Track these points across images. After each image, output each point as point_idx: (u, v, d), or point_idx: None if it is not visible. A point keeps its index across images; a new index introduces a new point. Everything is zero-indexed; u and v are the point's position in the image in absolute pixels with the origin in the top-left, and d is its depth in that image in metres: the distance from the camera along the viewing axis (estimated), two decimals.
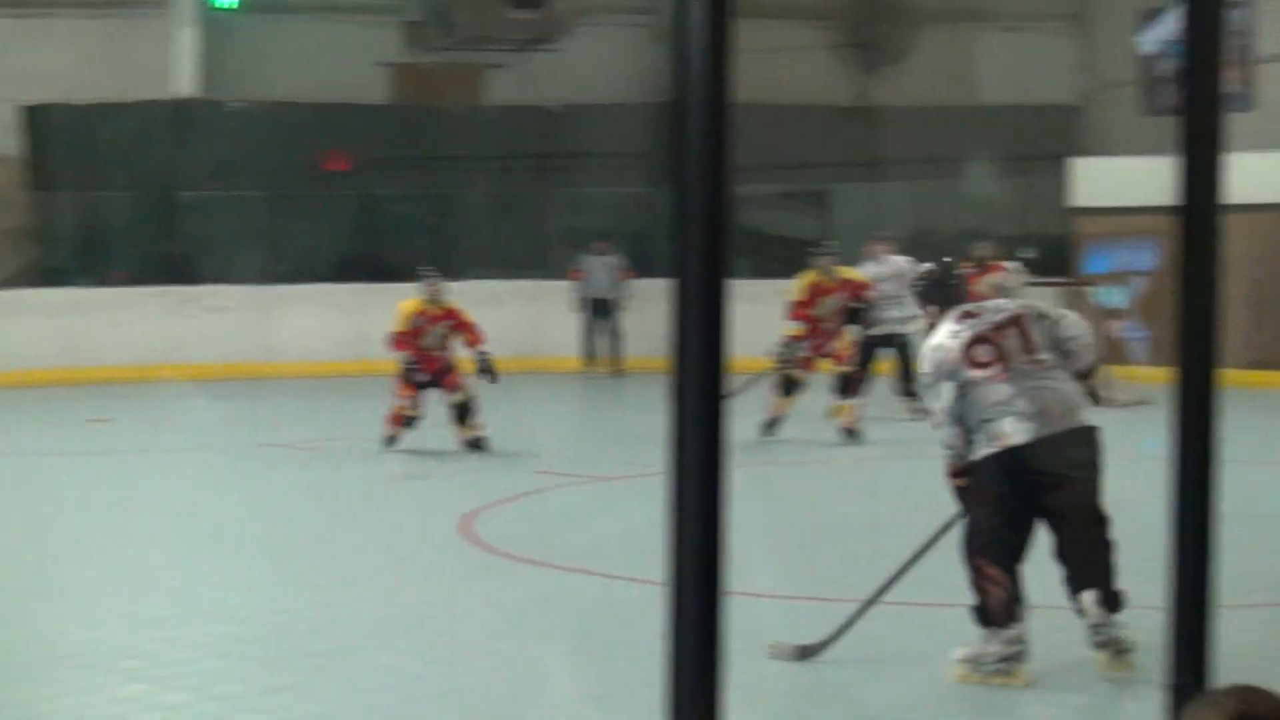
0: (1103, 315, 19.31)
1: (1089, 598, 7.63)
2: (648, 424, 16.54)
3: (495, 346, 23.82)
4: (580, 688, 7.63)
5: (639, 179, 25.40)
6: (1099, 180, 22.53)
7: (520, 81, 25.92)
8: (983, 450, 7.71)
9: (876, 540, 10.95)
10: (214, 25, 25.07)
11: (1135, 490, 12.29)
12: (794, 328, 16.04)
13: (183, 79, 24.77)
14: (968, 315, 7.89)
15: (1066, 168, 22.97)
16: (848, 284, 16.56)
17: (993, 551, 7.73)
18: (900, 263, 17.53)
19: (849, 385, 15.92)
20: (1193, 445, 3.81)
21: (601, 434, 17.05)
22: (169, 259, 24.40)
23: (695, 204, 2.97)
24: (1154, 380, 18.65)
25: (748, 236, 24.95)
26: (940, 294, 8.40)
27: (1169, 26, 21.64)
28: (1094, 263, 22.27)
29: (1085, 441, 7.90)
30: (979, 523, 7.80)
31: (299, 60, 25.08)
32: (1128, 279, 21.76)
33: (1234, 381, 17.43)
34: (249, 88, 25.17)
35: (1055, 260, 22.66)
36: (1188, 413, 3.81)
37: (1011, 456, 7.62)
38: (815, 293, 16.27)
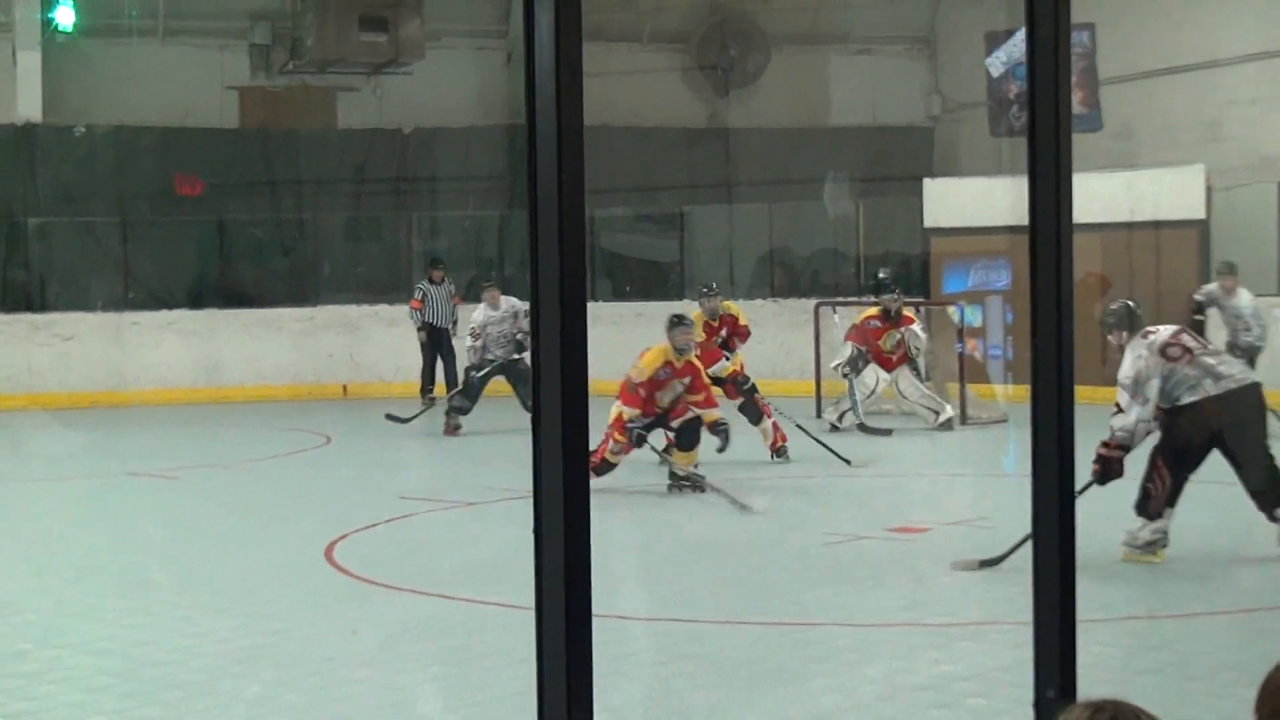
0: (962, 334, 19.50)
1: None
2: (508, 448, 16.53)
3: (355, 372, 23.85)
4: (450, 714, 7.57)
5: (494, 202, 25.39)
6: (951, 201, 22.79)
7: (372, 105, 25.81)
8: None
9: (741, 559, 10.98)
10: (56, 49, 24.67)
11: (996, 506, 12.49)
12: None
13: (26, 104, 24.36)
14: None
15: (921, 189, 23.22)
16: (726, 320, 17.16)
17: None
18: (513, 303, 18.67)
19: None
20: (1051, 462, 3.85)
21: (463, 459, 16.95)
22: (17, 286, 23.99)
23: (549, 227, 2.97)
24: (1013, 399, 18.92)
25: (605, 259, 25.01)
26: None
27: (1016, 49, 21.96)
28: (951, 282, 22.52)
29: None
30: None
31: (145, 84, 24.78)
32: (984, 298, 22.03)
33: (1089, 399, 17.70)
34: (95, 112, 24.82)
35: (913, 280, 22.90)
36: (1045, 430, 3.85)
37: None
38: (708, 331, 16.81)
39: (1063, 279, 3.85)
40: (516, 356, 18.53)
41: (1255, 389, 10.39)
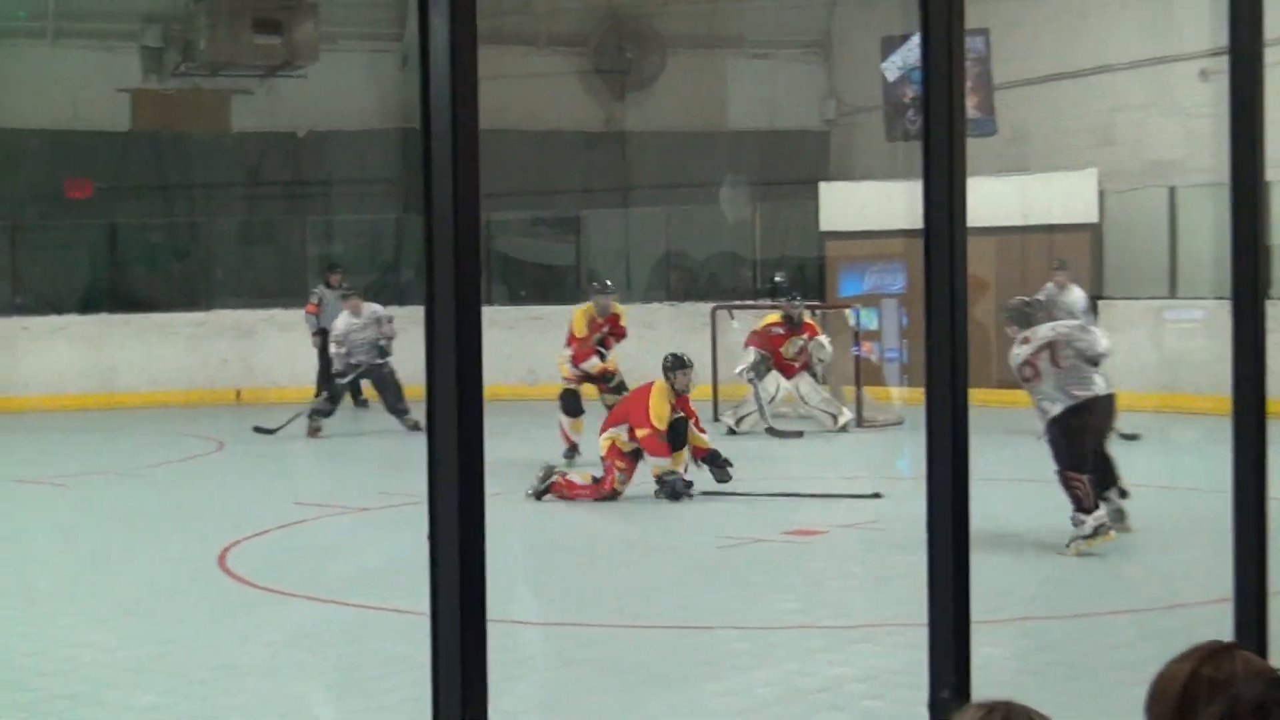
0: (858, 337, 19.60)
1: None
2: (402, 453, 16.45)
3: (249, 377, 23.64)
4: None
5: (389, 206, 25.26)
6: (847, 204, 22.91)
7: (266, 108, 25.60)
8: None
9: (635, 563, 11.00)
10: None
11: (892, 508, 12.57)
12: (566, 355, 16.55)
13: None
14: None
15: (817, 192, 23.32)
16: (610, 319, 16.98)
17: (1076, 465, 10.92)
18: (374, 310, 19.28)
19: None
20: (945, 464, 3.86)
21: (358, 465, 16.86)
22: None
23: (444, 230, 2.95)
24: (908, 401, 19.04)
25: (501, 263, 24.95)
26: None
27: (911, 54, 22.11)
28: (847, 286, 22.63)
29: None
30: None
31: (34, 86, 24.45)
32: (879, 301, 22.15)
33: (985, 401, 17.83)
34: None
35: (809, 284, 22.99)
36: (940, 432, 3.86)
37: None
38: (592, 328, 16.69)
39: (956, 282, 3.86)
40: (380, 361, 18.91)
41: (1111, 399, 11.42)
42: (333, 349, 19.17)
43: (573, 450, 16.04)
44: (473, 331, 2.96)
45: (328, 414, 18.88)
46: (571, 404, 16.36)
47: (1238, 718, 2.27)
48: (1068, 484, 10.87)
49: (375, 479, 15.01)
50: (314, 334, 21.32)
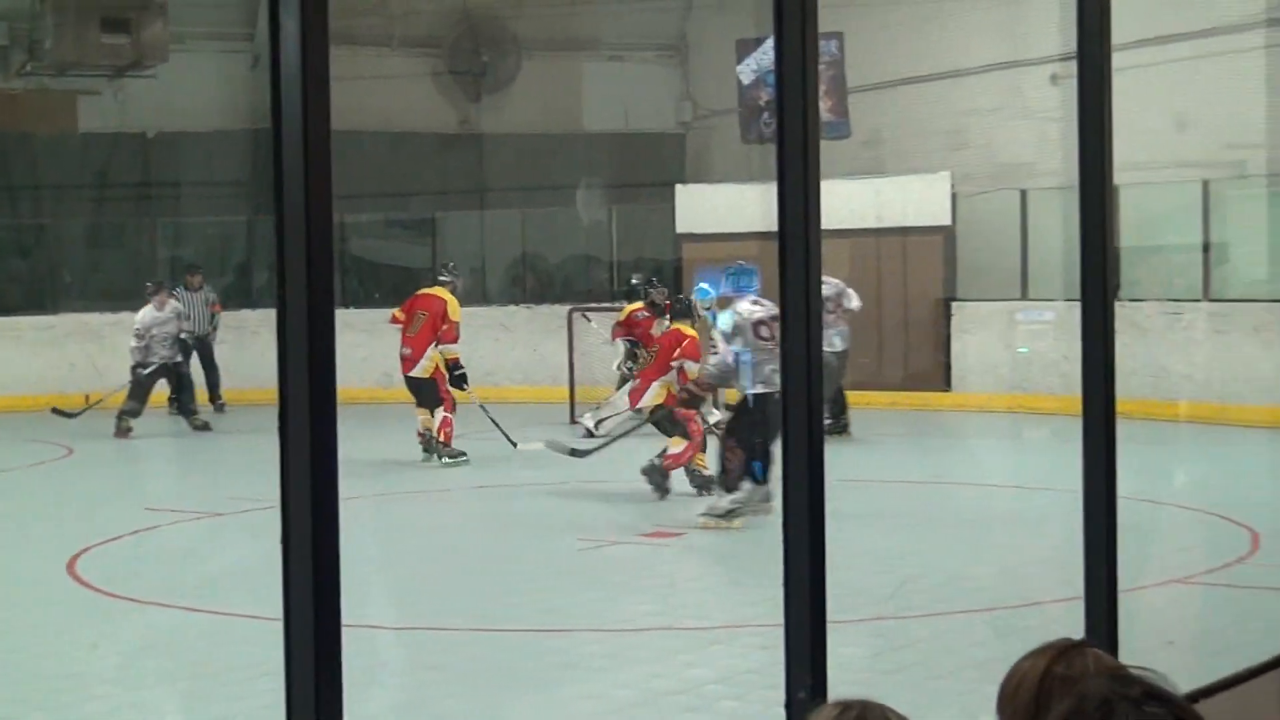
0: (715, 339, 19.64)
1: None
2: (255, 457, 16.19)
3: (98, 381, 23.26)
4: None
5: (240, 208, 24.98)
6: (703, 207, 22.97)
7: (114, 108, 25.20)
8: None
9: (492, 566, 10.95)
10: None
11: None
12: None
13: None
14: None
15: (673, 195, 23.35)
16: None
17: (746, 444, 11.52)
18: (175, 305, 19.70)
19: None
20: (801, 464, 3.89)
21: (210, 469, 16.67)
22: None
23: (296, 233, 2.91)
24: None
25: (355, 265, 24.76)
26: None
27: (766, 57, 22.22)
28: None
29: None
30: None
31: None
32: (734, 303, 22.19)
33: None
34: None
35: (666, 286, 22.99)
36: (795, 432, 3.88)
37: None
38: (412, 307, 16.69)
39: (811, 284, 3.88)
40: (180, 359, 19.34)
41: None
42: (132, 343, 19.23)
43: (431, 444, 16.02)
44: (326, 335, 2.93)
45: (135, 414, 18.81)
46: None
47: (1084, 714, 2.29)
48: (726, 454, 11.63)
49: (227, 483, 14.84)
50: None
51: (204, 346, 21.18)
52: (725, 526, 11.49)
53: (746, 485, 11.59)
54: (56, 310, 23.79)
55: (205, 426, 19.17)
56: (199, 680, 8.04)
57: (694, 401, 12.65)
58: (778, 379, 11.17)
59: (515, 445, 15.98)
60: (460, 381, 16.12)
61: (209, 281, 22.27)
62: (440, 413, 15.94)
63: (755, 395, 11.71)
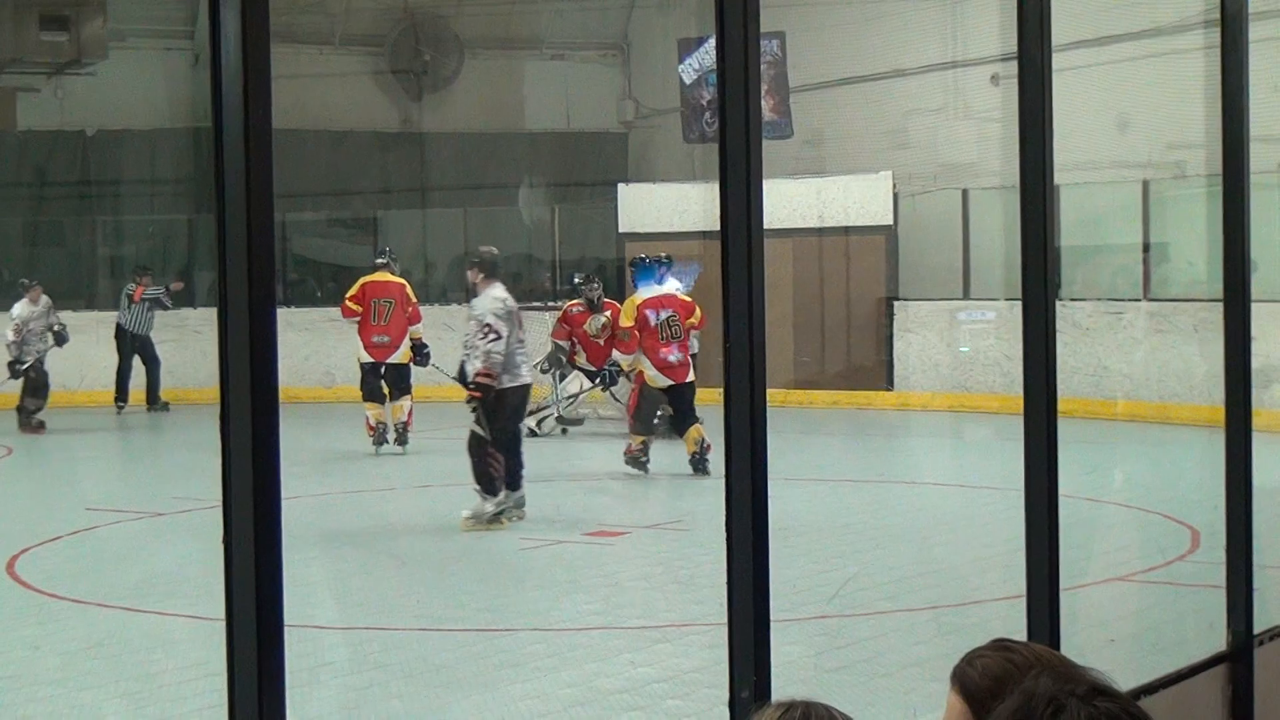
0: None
1: None
2: (196, 457, 16.13)
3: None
4: None
5: (181, 206, 24.84)
6: (645, 206, 22.97)
7: (54, 106, 25.02)
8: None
9: (435, 566, 10.92)
10: None
11: (691, 508, 12.64)
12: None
13: None
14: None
15: (615, 194, 23.36)
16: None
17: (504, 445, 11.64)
18: (47, 300, 19.89)
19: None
20: (744, 462, 3.89)
21: (150, 469, 16.57)
22: None
23: (238, 231, 2.90)
24: (705, 401, 19.12)
25: (297, 264, 24.66)
26: None
27: (708, 56, 22.25)
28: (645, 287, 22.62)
29: None
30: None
31: None
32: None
33: (779, 401, 17.98)
34: None
35: (608, 285, 23.00)
36: (739, 431, 3.89)
37: None
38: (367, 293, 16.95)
39: (754, 283, 3.88)
40: (39, 357, 19.52)
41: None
42: (9, 337, 19.37)
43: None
44: (267, 334, 2.93)
45: (37, 409, 19.05)
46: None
47: (1033, 712, 2.30)
48: (487, 462, 11.65)
49: (169, 483, 14.76)
50: (115, 335, 21.01)
51: (146, 344, 21.06)
52: (492, 527, 11.60)
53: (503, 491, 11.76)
54: None
55: (41, 426, 19.10)
56: (141, 681, 7.99)
57: (485, 390, 11.69)
58: (526, 373, 11.74)
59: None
60: (426, 359, 16.81)
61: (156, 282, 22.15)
62: (408, 400, 16.45)
63: (508, 389, 11.75)
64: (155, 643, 8.75)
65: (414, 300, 16.92)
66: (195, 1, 24.93)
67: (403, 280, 16.99)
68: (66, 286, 24.04)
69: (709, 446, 14.11)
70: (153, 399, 20.87)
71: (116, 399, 20.65)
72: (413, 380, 16.79)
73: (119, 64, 23.98)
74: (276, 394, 2.96)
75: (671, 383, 14.68)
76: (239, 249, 2.89)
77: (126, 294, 21.28)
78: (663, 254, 16.08)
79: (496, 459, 11.69)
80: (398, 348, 16.44)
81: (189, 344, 21.37)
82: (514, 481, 11.92)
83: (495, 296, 11.84)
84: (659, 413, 14.98)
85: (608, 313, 18.32)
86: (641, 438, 14.67)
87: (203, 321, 21.55)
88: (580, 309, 18.31)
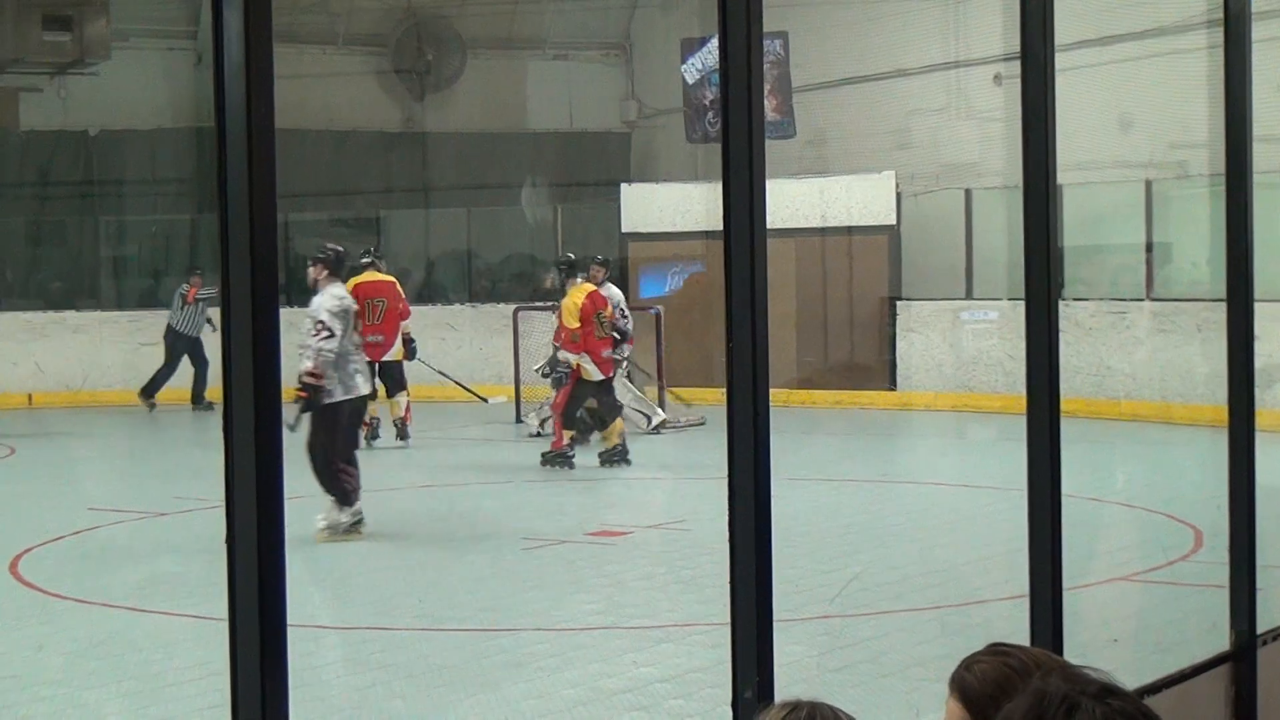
0: (660, 338, 19.63)
1: None
2: (199, 457, 16.16)
3: (41, 380, 23.11)
4: None
5: (183, 206, 24.84)
6: (648, 206, 22.97)
7: (56, 106, 25.02)
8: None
9: (438, 566, 10.92)
10: None
11: (694, 509, 12.63)
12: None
13: None
14: None
15: (618, 194, 23.35)
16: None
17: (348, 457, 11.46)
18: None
19: None
20: (747, 463, 3.89)
21: (153, 469, 16.56)
22: None
23: (240, 231, 2.90)
24: (709, 401, 19.12)
25: (300, 264, 24.63)
26: None
27: (711, 56, 22.24)
28: (648, 287, 22.67)
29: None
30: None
31: None
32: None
33: (781, 401, 17.95)
34: None
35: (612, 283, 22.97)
36: (741, 431, 3.88)
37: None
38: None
39: (756, 283, 3.88)
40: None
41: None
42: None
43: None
44: (270, 334, 2.93)
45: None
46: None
47: (1046, 712, 2.30)
48: (338, 474, 11.39)
49: (171, 483, 14.75)
50: (165, 335, 21.02)
51: (196, 346, 21.01)
52: (349, 539, 11.39)
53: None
54: None
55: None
56: (144, 681, 7.99)
57: (312, 392, 11.33)
58: (360, 383, 11.44)
59: (485, 400, 17.46)
60: (414, 353, 17.09)
61: (148, 282, 22.15)
62: (404, 396, 16.70)
63: (342, 402, 11.48)
64: (158, 642, 8.75)
65: (403, 297, 17.17)
66: (198, 1, 24.93)
67: (392, 278, 17.29)
68: (69, 286, 24.06)
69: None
70: (198, 399, 20.87)
71: (144, 394, 20.64)
72: (407, 376, 17.03)
73: (122, 64, 23.98)
74: (280, 393, 2.96)
75: (604, 377, 15.11)
76: (242, 249, 2.89)
77: (180, 294, 21.28)
78: (570, 254, 16.77)
79: (348, 471, 11.44)
80: (391, 346, 16.63)
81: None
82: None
83: (334, 294, 11.61)
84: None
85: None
86: (571, 433, 15.03)
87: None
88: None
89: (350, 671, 8.08)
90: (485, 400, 16.93)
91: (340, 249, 12.17)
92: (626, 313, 16.63)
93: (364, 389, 11.71)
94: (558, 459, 14.84)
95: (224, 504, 2.93)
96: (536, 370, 18.39)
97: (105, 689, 7.89)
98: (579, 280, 15.38)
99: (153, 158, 24.56)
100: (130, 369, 21.95)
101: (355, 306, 11.82)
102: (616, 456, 14.98)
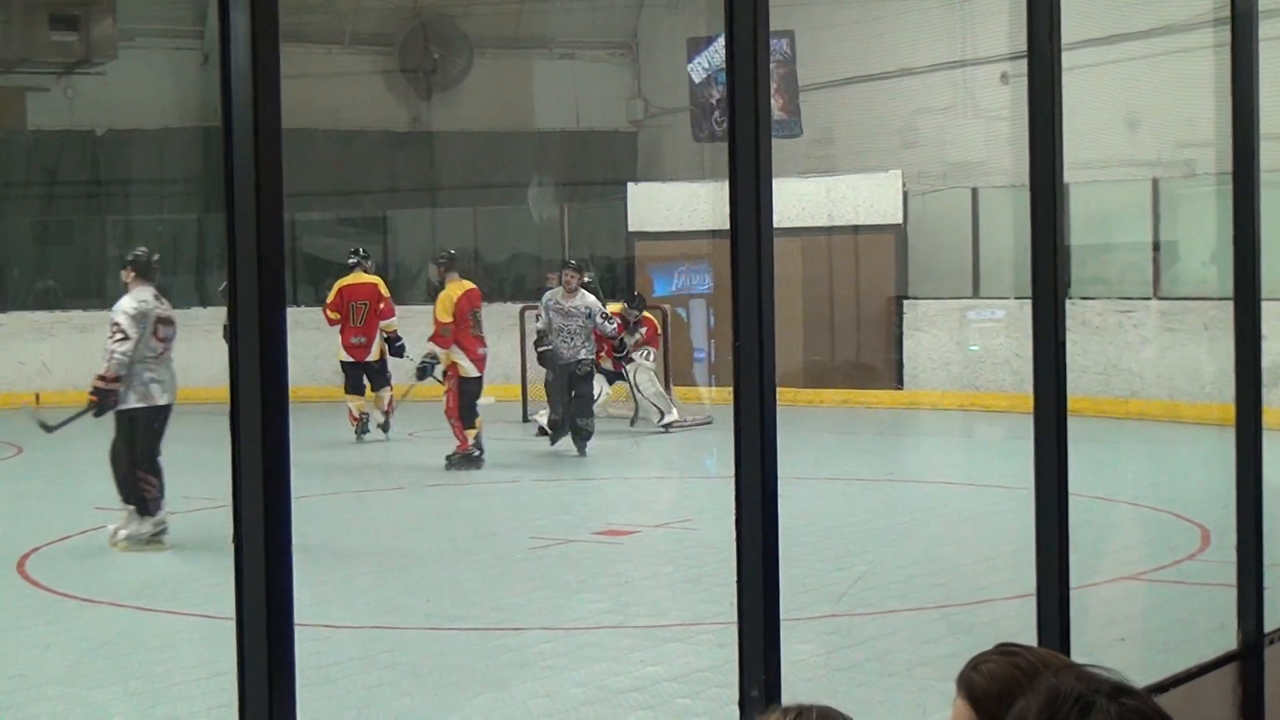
0: (667, 337, 19.62)
1: None
2: (206, 456, 16.11)
3: (47, 380, 23.12)
4: None
5: (190, 206, 24.83)
6: (655, 205, 22.96)
7: (63, 105, 25.04)
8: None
9: (445, 565, 10.91)
10: None
11: (700, 508, 12.62)
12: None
13: None
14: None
15: (625, 193, 23.34)
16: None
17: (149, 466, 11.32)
18: None
19: None
20: (754, 462, 3.88)
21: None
22: None
23: (247, 231, 2.89)
24: (716, 400, 19.13)
25: (307, 263, 24.65)
26: None
27: (718, 55, 22.22)
28: (656, 286, 22.67)
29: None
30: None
31: None
32: (687, 301, 22.24)
33: (788, 400, 17.96)
34: None
35: (619, 284, 22.99)
36: (748, 431, 3.87)
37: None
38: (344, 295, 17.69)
39: (763, 282, 3.87)
40: None
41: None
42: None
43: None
44: (277, 333, 2.92)
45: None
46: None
47: (1060, 711, 2.30)
48: (138, 483, 11.34)
49: (179, 482, 14.73)
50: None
51: None
52: (154, 548, 11.30)
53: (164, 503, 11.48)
54: (5, 308, 23.64)
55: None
56: (150, 680, 7.98)
57: (102, 396, 11.28)
58: (156, 392, 11.26)
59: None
60: (401, 351, 17.27)
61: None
62: (388, 391, 17.05)
63: (138, 410, 11.34)
64: (165, 642, 8.75)
65: (385, 297, 17.45)
66: (204, 1, 24.92)
67: (375, 280, 17.63)
68: (75, 286, 24.07)
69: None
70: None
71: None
72: (390, 373, 17.42)
73: (128, 63, 24.00)
74: (287, 393, 2.95)
75: (479, 375, 15.32)
76: (249, 248, 2.89)
77: (222, 293, 21.29)
78: (451, 249, 17.15)
79: (149, 480, 11.35)
80: (370, 349, 17.16)
81: (198, 343, 21.36)
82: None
83: (137, 298, 11.38)
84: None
85: (642, 329, 18.45)
86: (474, 431, 15.11)
87: (212, 321, 21.53)
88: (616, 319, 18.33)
89: (358, 670, 8.07)
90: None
91: (148, 253, 11.92)
92: (609, 314, 16.60)
93: (161, 399, 11.41)
94: (464, 461, 14.93)
95: (231, 503, 2.92)
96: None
97: (111, 689, 7.88)
98: (457, 276, 15.65)
99: (159, 157, 24.56)
100: None
101: (159, 312, 11.43)
102: (458, 460, 15.01)
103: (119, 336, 11.17)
